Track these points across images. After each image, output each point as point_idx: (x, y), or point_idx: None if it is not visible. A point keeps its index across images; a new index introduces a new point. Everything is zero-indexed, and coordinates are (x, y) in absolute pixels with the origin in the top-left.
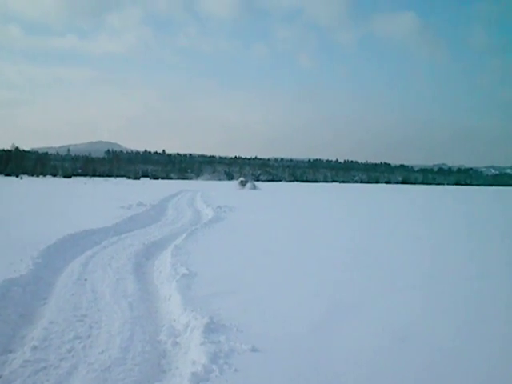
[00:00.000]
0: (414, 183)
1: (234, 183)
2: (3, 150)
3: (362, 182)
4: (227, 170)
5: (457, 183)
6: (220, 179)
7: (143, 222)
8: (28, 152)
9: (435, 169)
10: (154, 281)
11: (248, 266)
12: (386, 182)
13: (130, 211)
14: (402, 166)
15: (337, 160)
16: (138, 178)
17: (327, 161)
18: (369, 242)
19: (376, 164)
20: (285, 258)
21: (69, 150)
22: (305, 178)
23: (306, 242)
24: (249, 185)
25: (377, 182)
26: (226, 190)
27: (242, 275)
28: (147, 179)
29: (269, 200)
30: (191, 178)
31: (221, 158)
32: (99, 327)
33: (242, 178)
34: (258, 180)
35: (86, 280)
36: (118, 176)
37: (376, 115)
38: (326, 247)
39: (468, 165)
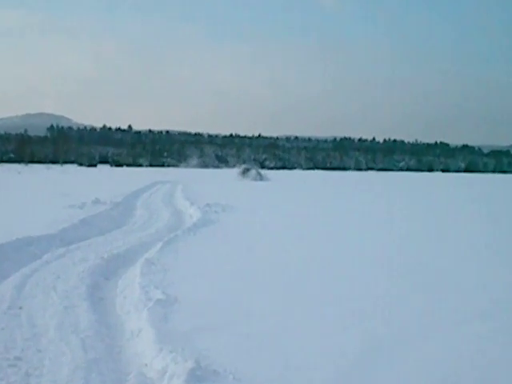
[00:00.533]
0: (484, 171)
1: (231, 172)
2: None
3: (408, 169)
4: (219, 153)
5: None
6: (211, 166)
7: (102, 227)
8: None
9: None
10: (116, 309)
11: (248, 288)
12: (444, 170)
13: (82, 212)
14: (465, 146)
15: (373, 139)
16: (94, 165)
17: (360, 140)
18: (429, 256)
19: (429, 144)
20: (299, 277)
21: None
22: (328, 165)
23: (329, 255)
24: (252, 174)
25: (430, 170)
26: (219, 181)
27: (240, 301)
28: (107, 166)
29: (280, 196)
30: (169, 165)
31: (211, 136)
32: (40, 375)
33: (244, 165)
34: (262, 167)
35: (20, 309)
36: (65, 162)
37: (428, 78)
38: (360, 261)
39: None
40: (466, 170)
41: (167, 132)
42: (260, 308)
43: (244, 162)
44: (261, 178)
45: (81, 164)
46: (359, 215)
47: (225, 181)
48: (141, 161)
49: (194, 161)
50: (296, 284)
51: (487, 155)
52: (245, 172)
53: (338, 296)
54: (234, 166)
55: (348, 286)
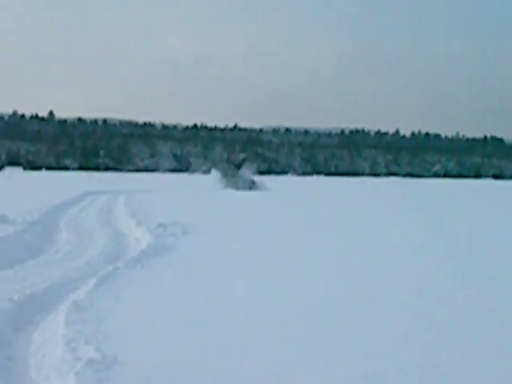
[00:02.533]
0: None
1: (206, 178)
2: None
3: (446, 174)
4: (178, 151)
5: None
6: (165, 169)
7: (10, 257)
8: None
9: None
10: (30, 374)
11: (214, 346)
12: (497, 176)
13: None
14: None
15: (397, 132)
16: (0, 168)
17: (378, 133)
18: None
19: (475, 140)
20: (283, 343)
21: None
22: (333, 169)
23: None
24: (242, 180)
25: (477, 176)
26: (189, 190)
27: (201, 364)
28: (19, 169)
29: (280, 214)
30: (107, 168)
31: (166, 127)
32: None
33: (226, 165)
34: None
35: None
36: None
37: (474, 51)
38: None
39: None
40: None
41: (104, 121)
42: (228, 375)
43: (214, 164)
44: (253, 185)
45: None
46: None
47: (198, 191)
48: (67, 162)
49: (147, 161)
50: (277, 352)
51: None
52: (228, 176)
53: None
54: (195, 170)
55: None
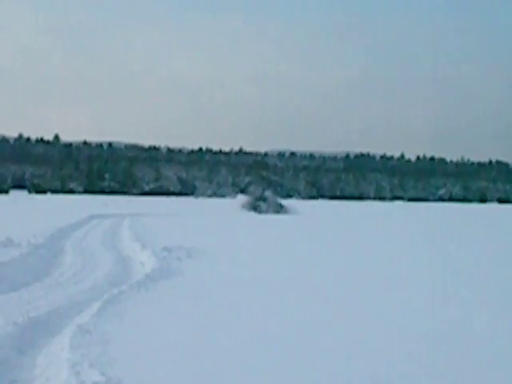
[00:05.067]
0: None
1: (215, 202)
2: None
3: (451, 198)
4: (184, 175)
5: None
6: (171, 192)
7: (14, 280)
8: None
9: None
10: None
11: (223, 374)
12: (502, 201)
13: None
14: None
15: (402, 156)
16: (6, 191)
17: (383, 157)
18: None
19: (480, 164)
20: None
21: None
22: (338, 193)
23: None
24: (267, 203)
25: (483, 200)
26: (198, 215)
27: None
28: (24, 193)
29: (298, 237)
30: (112, 191)
31: (171, 151)
32: None
33: (255, 189)
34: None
35: None
36: None
37: (480, 75)
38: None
39: None
40: None
41: (110, 145)
42: None
43: (219, 187)
44: (280, 209)
45: None
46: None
47: (212, 215)
48: (72, 185)
49: (152, 185)
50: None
51: None
52: (253, 200)
53: None
54: (200, 194)
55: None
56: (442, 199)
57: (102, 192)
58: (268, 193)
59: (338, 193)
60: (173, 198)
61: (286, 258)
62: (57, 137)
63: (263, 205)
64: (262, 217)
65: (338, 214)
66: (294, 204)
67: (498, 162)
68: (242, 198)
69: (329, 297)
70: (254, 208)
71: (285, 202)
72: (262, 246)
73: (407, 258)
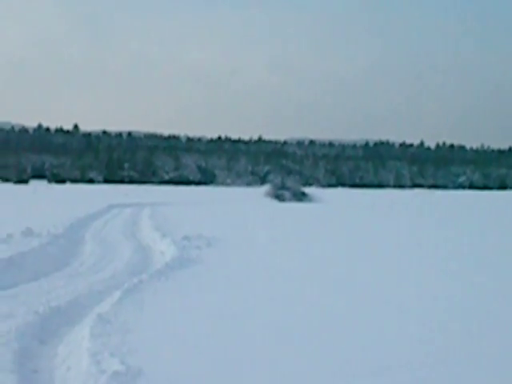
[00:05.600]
0: None
1: (245, 192)
2: None
3: (471, 186)
4: (203, 163)
5: None
6: (190, 181)
7: (35, 269)
8: None
9: None
10: None
11: (242, 361)
12: None
13: (7, 247)
14: None
15: (421, 144)
16: (25, 181)
17: (402, 145)
18: None
19: (501, 151)
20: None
21: None
22: (357, 181)
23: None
24: (290, 192)
25: (502, 187)
26: (217, 203)
27: (229, 377)
28: (43, 183)
29: (319, 225)
30: (132, 181)
31: (190, 140)
32: None
33: (277, 178)
34: (263, 182)
35: None
36: None
37: (500, 61)
38: None
39: None
40: None
41: (129, 134)
42: None
43: (239, 176)
44: (303, 196)
45: (6, 180)
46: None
47: (232, 203)
48: (92, 175)
49: (172, 174)
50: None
51: None
52: (275, 188)
53: None
54: (221, 182)
55: None
56: (461, 187)
57: (122, 181)
58: (290, 182)
59: (357, 181)
60: (192, 187)
61: (310, 247)
62: (76, 126)
63: (286, 193)
64: (285, 205)
65: (362, 202)
66: (315, 192)
67: None
68: (263, 187)
69: (351, 287)
70: (277, 196)
71: (306, 190)
72: (284, 235)
73: (438, 246)
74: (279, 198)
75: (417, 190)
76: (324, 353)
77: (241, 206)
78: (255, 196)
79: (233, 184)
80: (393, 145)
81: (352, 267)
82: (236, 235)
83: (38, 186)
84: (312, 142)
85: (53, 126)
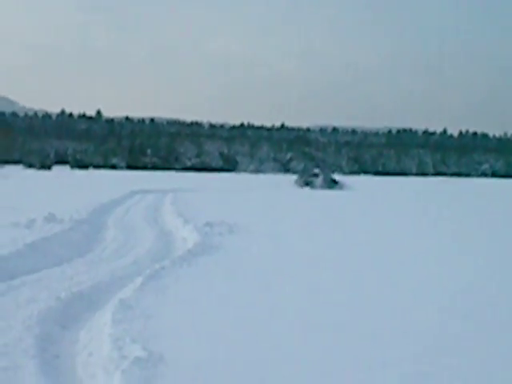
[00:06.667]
0: None
1: (273, 179)
2: None
3: (494, 174)
4: (225, 150)
5: None
6: (211, 166)
7: (58, 255)
8: None
9: None
10: (77, 372)
11: (264, 346)
12: None
13: (30, 233)
14: None
15: (444, 131)
16: (49, 167)
17: (425, 133)
18: None
19: None
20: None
21: None
22: (380, 168)
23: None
24: (320, 179)
25: None
26: (240, 190)
27: (251, 365)
28: (66, 168)
29: (347, 214)
30: (155, 167)
31: (213, 126)
32: None
33: (309, 165)
34: (287, 170)
35: None
36: (7, 162)
37: None
38: None
39: None
40: None
41: (152, 120)
42: (276, 377)
43: (261, 163)
44: (334, 184)
45: (30, 165)
46: None
47: (259, 190)
48: (114, 161)
49: (196, 160)
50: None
51: None
52: (306, 175)
53: None
54: (244, 169)
55: None
56: (484, 174)
57: (144, 167)
58: (321, 169)
59: (380, 168)
60: (215, 174)
61: (338, 236)
62: (99, 112)
63: (316, 180)
64: (315, 193)
65: (393, 189)
66: (343, 179)
67: None
68: (293, 175)
69: (372, 277)
70: (307, 184)
71: (342, 178)
72: (311, 223)
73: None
74: (310, 185)
75: (441, 178)
76: (350, 344)
77: (269, 193)
78: (285, 183)
79: (256, 171)
80: (416, 132)
81: (389, 256)
82: (259, 222)
83: (60, 171)
84: (335, 130)
85: (76, 112)
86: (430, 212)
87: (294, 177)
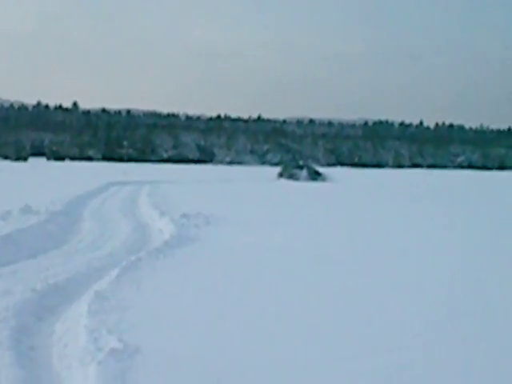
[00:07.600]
0: None
1: (233, 170)
2: None
3: (470, 165)
4: (202, 142)
5: None
6: (188, 158)
7: (33, 247)
8: None
9: None
10: (52, 363)
11: (238, 336)
12: None
13: (5, 224)
14: None
15: (421, 123)
16: (25, 158)
17: (402, 125)
18: None
19: (500, 132)
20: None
21: None
22: (356, 160)
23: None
24: (304, 171)
25: (501, 168)
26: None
27: (226, 353)
28: (42, 160)
29: (322, 205)
30: (131, 159)
31: (190, 118)
32: None
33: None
34: (263, 162)
35: None
36: None
37: (501, 38)
38: None
39: None
40: None
41: (128, 112)
42: (250, 370)
43: (238, 154)
44: (317, 176)
45: (5, 157)
46: None
47: (233, 182)
48: (91, 153)
49: (174, 151)
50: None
51: None
52: (289, 167)
53: None
54: (220, 161)
55: None
56: (460, 166)
57: (121, 159)
58: (303, 161)
59: (356, 160)
60: (192, 165)
61: (297, 224)
62: (75, 104)
63: (300, 173)
64: (298, 185)
65: (374, 181)
66: (323, 171)
67: None
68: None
69: (351, 267)
70: (291, 176)
71: (325, 170)
72: (289, 214)
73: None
74: (293, 177)
75: (418, 170)
76: (333, 330)
77: (250, 185)
78: (267, 175)
79: (232, 163)
80: (392, 124)
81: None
82: (236, 214)
83: (36, 163)
84: (311, 121)
85: (52, 104)
86: (422, 201)
87: (277, 169)
